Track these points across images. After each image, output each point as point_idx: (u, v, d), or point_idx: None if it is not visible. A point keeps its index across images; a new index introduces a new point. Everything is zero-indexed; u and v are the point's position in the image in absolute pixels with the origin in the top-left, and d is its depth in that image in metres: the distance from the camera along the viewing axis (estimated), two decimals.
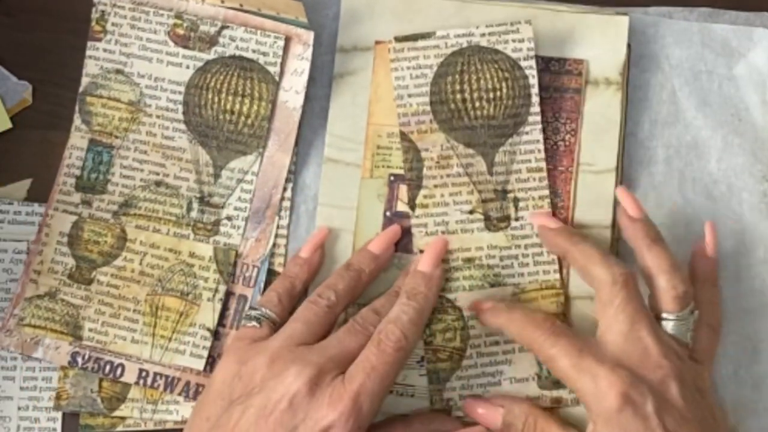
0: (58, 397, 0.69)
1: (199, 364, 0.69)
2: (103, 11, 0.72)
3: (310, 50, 0.71)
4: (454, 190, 0.70)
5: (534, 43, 0.70)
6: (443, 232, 0.69)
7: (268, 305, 0.66)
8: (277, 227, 0.71)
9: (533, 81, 0.70)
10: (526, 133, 0.70)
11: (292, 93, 0.71)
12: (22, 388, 0.70)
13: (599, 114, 0.70)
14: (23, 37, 0.73)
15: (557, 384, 0.67)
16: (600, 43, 0.71)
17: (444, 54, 0.71)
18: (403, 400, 0.69)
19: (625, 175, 0.71)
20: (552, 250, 0.69)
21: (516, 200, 0.69)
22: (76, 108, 0.71)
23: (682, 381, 0.61)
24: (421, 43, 0.71)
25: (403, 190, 0.70)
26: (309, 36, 0.71)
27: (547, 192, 0.70)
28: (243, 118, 0.71)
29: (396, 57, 0.71)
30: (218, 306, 0.69)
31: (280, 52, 0.71)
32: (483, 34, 0.71)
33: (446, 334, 0.68)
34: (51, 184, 0.71)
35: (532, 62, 0.70)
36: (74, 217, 0.70)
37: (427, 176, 0.70)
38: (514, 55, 0.70)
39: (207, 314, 0.69)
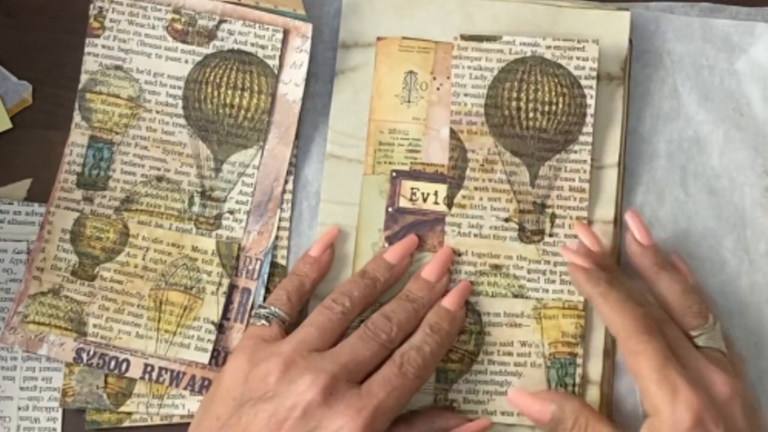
0: (63, 394, 0.69)
1: (204, 358, 0.69)
2: (101, 7, 0.71)
3: (309, 42, 0.71)
4: (493, 196, 0.70)
5: (598, 63, 0.70)
6: (476, 235, 0.69)
7: (277, 303, 0.66)
8: (279, 220, 0.71)
9: (591, 102, 0.70)
10: (575, 151, 0.69)
11: (292, 86, 0.71)
12: (22, 388, 0.70)
13: (601, 109, 0.70)
14: (23, 37, 0.73)
15: None
16: (602, 39, 0.71)
17: (506, 60, 0.70)
18: None
19: (627, 170, 0.71)
20: (576, 288, 0.68)
21: (553, 216, 0.69)
22: (76, 105, 0.71)
23: (744, 398, 0.63)
24: (485, 45, 0.70)
25: (405, 186, 0.70)
26: (307, 28, 0.71)
27: (586, 213, 0.69)
28: (243, 112, 0.71)
29: (459, 54, 0.71)
30: (222, 299, 0.70)
31: (279, 45, 0.71)
32: (549, 47, 0.70)
33: (461, 336, 0.68)
34: (51, 183, 0.71)
35: (593, 82, 0.70)
36: (76, 214, 0.70)
37: (469, 177, 0.70)
38: (575, 73, 0.70)
39: (211, 308, 0.70)
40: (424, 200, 0.70)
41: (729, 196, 0.71)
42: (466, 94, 0.70)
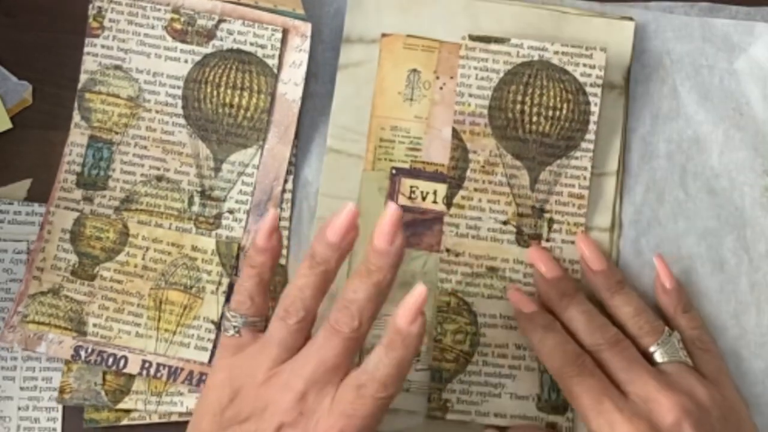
0: (61, 391, 0.69)
1: (204, 357, 0.69)
2: (100, 7, 0.71)
3: (308, 42, 0.71)
4: (492, 198, 0.70)
5: (604, 72, 0.70)
6: (474, 237, 0.69)
7: (242, 309, 0.63)
8: (279, 219, 0.71)
9: (595, 109, 0.70)
10: (576, 158, 0.69)
11: (291, 85, 0.71)
12: (22, 388, 0.70)
13: (602, 117, 0.70)
14: (23, 37, 0.73)
15: (555, 410, 0.68)
16: (605, 47, 0.71)
17: (513, 62, 0.70)
18: (399, 394, 0.69)
19: (626, 171, 0.71)
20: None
21: (551, 221, 0.69)
22: (75, 105, 0.71)
23: (698, 420, 0.62)
24: (493, 47, 0.70)
25: (405, 184, 0.70)
26: (306, 28, 0.71)
27: (583, 220, 0.70)
28: (242, 111, 0.71)
29: (466, 54, 0.70)
30: (222, 299, 0.70)
31: (278, 45, 0.71)
32: (556, 52, 0.70)
33: (457, 335, 0.68)
34: (51, 184, 0.71)
35: (598, 90, 0.70)
36: (76, 214, 0.70)
37: (469, 178, 0.70)
38: (581, 80, 0.70)
39: (211, 307, 0.70)
40: (423, 199, 0.70)
41: (729, 196, 0.71)
42: (470, 95, 0.70)
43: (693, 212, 0.71)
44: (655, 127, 0.71)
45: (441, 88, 0.71)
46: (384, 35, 0.72)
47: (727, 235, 0.70)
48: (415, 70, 0.72)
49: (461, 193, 0.70)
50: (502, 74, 0.70)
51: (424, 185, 0.71)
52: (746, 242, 0.70)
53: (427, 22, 0.72)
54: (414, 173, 0.71)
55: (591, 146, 0.70)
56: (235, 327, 0.63)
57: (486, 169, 0.70)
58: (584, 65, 0.70)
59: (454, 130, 0.70)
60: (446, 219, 0.70)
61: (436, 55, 0.72)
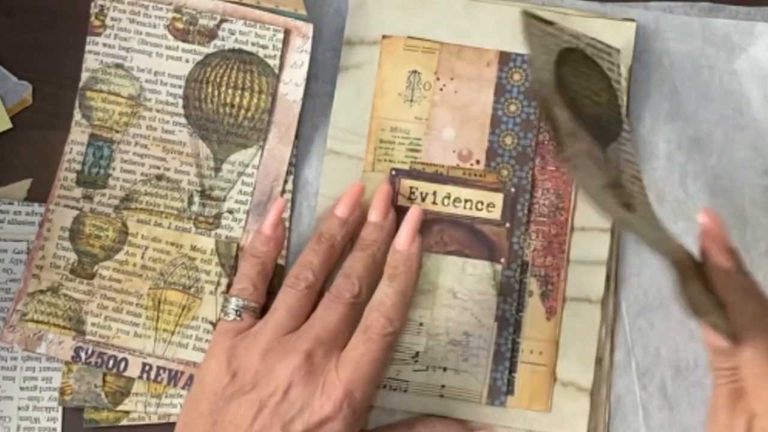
0: (62, 393, 0.69)
1: (202, 358, 0.69)
2: (102, 6, 0.72)
3: (310, 42, 0.71)
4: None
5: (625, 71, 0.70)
6: None
7: (244, 294, 0.66)
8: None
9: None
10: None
11: (292, 86, 0.71)
12: (22, 388, 0.70)
13: None
14: (23, 37, 0.73)
15: None
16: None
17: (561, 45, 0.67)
18: (396, 395, 0.69)
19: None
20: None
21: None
22: (76, 103, 0.71)
23: None
24: (545, 27, 0.67)
25: (404, 185, 0.70)
26: (308, 28, 0.71)
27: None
28: (243, 111, 0.71)
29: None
30: (221, 300, 0.70)
31: (280, 45, 0.71)
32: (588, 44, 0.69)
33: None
34: (51, 184, 0.71)
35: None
36: (75, 212, 0.70)
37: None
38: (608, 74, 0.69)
39: (209, 307, 0.70)
40: (423, 200, 0.70)
41: (729, 196, 0.71)
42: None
43: (693, 212, 0.70)
44: (655, 127, 0.71)
45: (441, 90, 0.71)
46: (385, 37, 0.72)
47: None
48: (415, 72, 0.72)
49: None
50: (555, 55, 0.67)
51: (423, 186, 0.71)
52: (746, 242, 0.70)
53: (427, 24, 0.72)
54: (414, 174, 0.71)
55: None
56: (236, 310, 0.65)
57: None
58: (609, 62, 0.69)
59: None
60: None
61: (437, 56, 0.72)
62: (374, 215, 0.68)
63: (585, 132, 0.65)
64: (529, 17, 0.66)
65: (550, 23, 0.68)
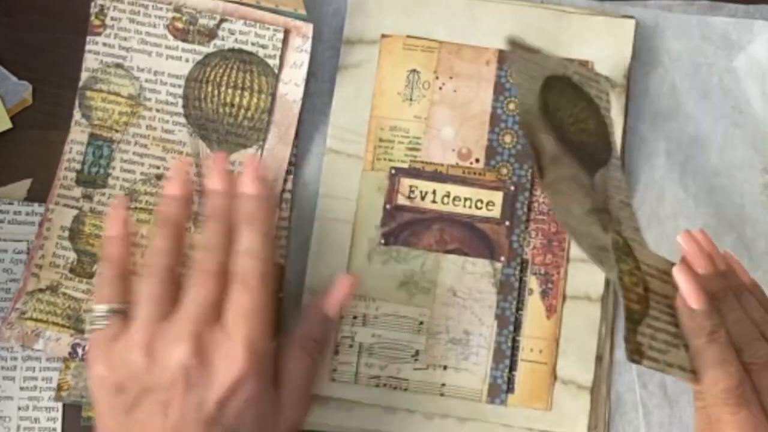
0: (59, 389, 0.69)
1: None
2: (102, 5, 0.72)
3: (309, 42, 0.71)
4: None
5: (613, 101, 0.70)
6: None
7: (104, 299, 0.62)
8: (279, 220, 0.71)
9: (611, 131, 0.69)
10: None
11: (292, 85, 0.71)
12: (22, 388, 0.70)
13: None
14: (23, 37, 0.73)
15: None
16: (606, 45, 0.71)
17: (545, 75, 0.68)
18: (397, 393, 0.69)
19: (626, 169, 0.71)
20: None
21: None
22: (76, 102, 0.71)
23: None
24: (528, 55, 0.68)
25: (404, 184, 0.71)
26: (308, 28, 0.71)
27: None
28: (243, 111, 0.71)
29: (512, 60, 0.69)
30: None
31: (280, 45, 0.71)
32: (575, 72, 0.69)
33: (631, 277, 0.63)
34: (51, 183, 0.71)
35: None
36: (75, 212, 0.70)
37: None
38: (596, 102, 0.69)
39: None
40: (422, 198, 0.70)
41: (728, 194, 0.71)
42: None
43: (693, 210, 0.71)
44: (654, 126, 0.72)
45: (440, 89, 0.72)
46: (384, 36, 0.72)
47: (727, 233, 0.70)
48: (414, 71, 0.72)
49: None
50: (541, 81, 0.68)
51: (423, 185, 0.71)
52: (746, 240, 0.70)
53: (427, 23, 0.72)
54: (413, 173, 0.71)
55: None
56: (102, 317, 0.61)
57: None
58: (597, 89, 0.70)
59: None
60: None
61: (436, 55, 0.72)
62: (215, 184, 0.64)
63: (570, 157, 0.66)
64: (515, 45, 0.67)
65: (535, 51, 0.68)
